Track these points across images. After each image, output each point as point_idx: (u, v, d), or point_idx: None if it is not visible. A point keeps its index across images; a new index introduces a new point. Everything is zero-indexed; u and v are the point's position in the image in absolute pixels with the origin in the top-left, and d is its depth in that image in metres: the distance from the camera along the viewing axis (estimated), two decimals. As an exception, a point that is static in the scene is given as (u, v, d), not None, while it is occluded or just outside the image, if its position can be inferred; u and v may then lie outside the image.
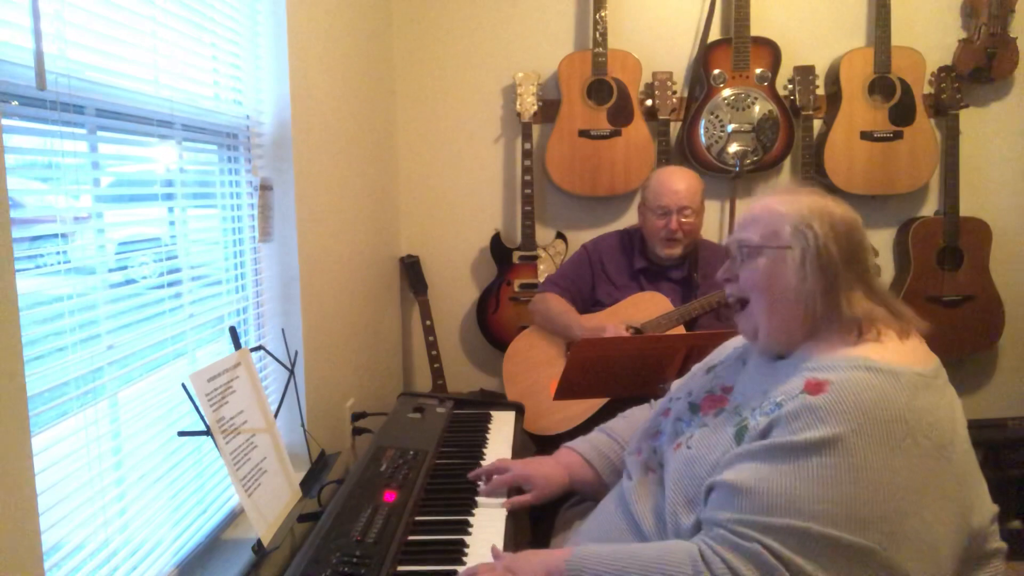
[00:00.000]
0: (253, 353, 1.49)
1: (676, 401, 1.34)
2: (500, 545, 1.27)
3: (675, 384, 1.46)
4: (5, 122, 0.93)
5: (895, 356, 1.05)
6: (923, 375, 1.03)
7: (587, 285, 2.43)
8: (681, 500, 1.13)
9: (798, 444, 0.97)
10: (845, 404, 0.98)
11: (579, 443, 1.52)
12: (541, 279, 2.82)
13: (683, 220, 2.25)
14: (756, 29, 2.77)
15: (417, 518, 1.35)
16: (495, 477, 1.47)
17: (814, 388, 1.02)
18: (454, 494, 1.45)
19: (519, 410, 1.98)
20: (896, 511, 0.94)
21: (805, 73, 2.80)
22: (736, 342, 1.38)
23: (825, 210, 1.15)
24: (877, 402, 0.98)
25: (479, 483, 1.48)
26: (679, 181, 2.28)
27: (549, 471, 1.46)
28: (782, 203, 1.18)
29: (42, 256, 1.04)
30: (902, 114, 2.77)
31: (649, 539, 1.18)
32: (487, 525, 1.34)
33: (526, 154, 2.83)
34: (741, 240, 1.20)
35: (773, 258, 1.15)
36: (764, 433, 1.04)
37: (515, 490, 1.45)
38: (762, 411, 1.08)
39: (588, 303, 2.42)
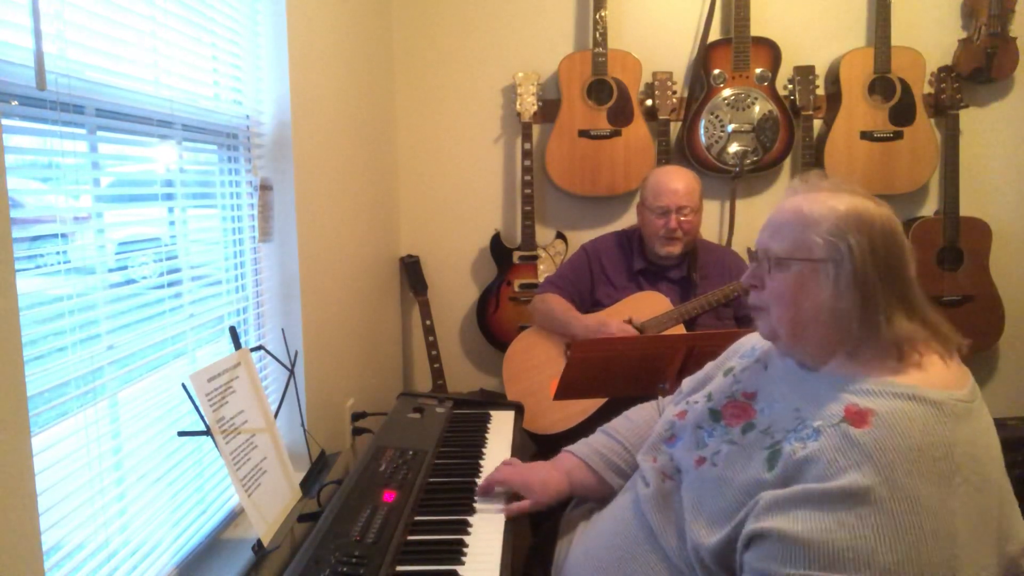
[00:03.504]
0: (253, 353, 1.49)
1: (693, 404, 1.28)
2: (499, 546, 1.27)
3: (686, 381, 1.41)
4: (5, 122, 0.93)
5: (937, 381, 1.01)
6: (963, 401, 1.00)
7: (586, 286, 2.43)
8: (703, 520, 1.09)
9: (852, 491, 0.93)
10: (893, 442, 0.94)
11: (579, 447, 1.48)
12: (541, 279, 2.82)
13: (682, 219, 2.26)
14: (756, 29, 2.77)
15: (416, 518, 1.35)
16: (496, 490, 1.45)
17: (856, 419, 0.97)
18: (453, 494, 1.45)
19: (518, 410, 1.98)
20: (957, 557, 0.91)
21: (805, 73, 2.80)
22: (752, 340, 1.32)
23: (863, 218, 1.05)
24: (924, 438, 0.94)
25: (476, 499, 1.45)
26: (677, 180, 2.28)
27: (547, 477, 1.43)
28: (815, 206, 1.08)
29: (42, 256, 1.04)
30: (902, 114, 2.77)
31: (668, 555, 1.14)
32: (486, 525, 1.34)
33: (526, 154, 2.83)
34: (767, 249, 1.11)
35: (802, 271, 1.07)
36: (801, 465, 0.99)
37: (514, 495, 1.45)
38: (797, 436, 1.03)
39: (587, 304, 2.42)
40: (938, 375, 1.03)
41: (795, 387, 1.12)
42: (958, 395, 1.00)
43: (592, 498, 1.44)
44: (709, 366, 1.39)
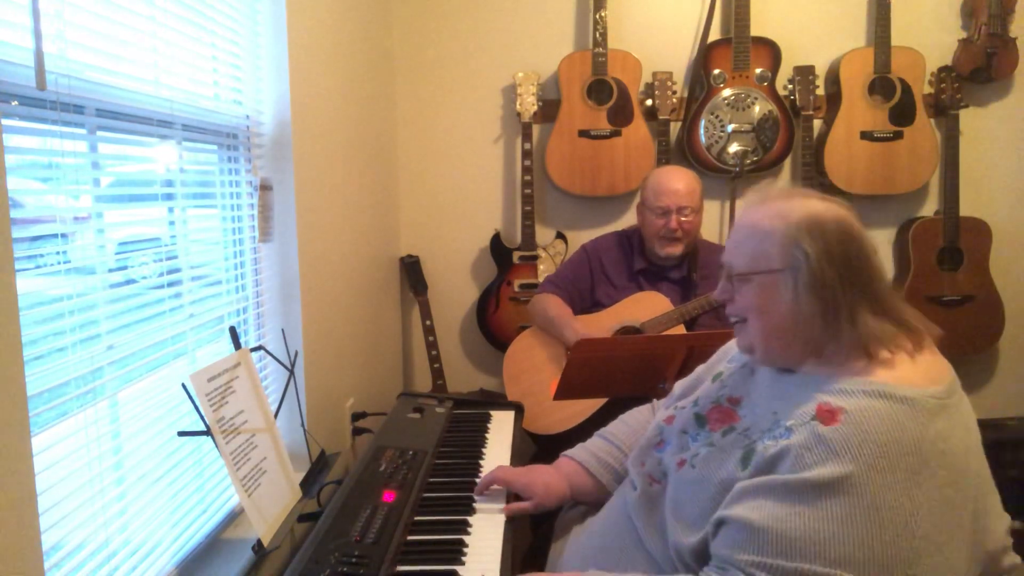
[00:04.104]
0: (253, 353, 1.49)
1: (681, 410, 1.29)
2: (499, 545, 1.27)
3: (677, 385, 1.42)
4: (5, 122, 0.93)
5: (909, 378, 1.02)
6: (937, 397, 1.00)
7: (586, 286, 2.43)
8: (683, 522, 1.10)
9: (814, 483, 0.94)
10: (859, 438, 0.95)
11: (578, 451, 1.49)
12: (541, 279, 2.82)
13: (683, 219, 2.26)
14: (756, 29, 2.77)
15: (416, 518, 1.35)
16: (493, 488, 1.45)
17: (827, 417, 0.99)
18: (453, 494, 1.45)
19: (519, 410, 1.98)
20: (915, 551, 0.92)
21: (805, 73, 2.80)
22: None
23: (815, 222, 1.07)
24: (892, 434, 0.95)
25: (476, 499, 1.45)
26: (678, 181, 2.28)
27: (549, 480, 1.43)
28: (768, 218, 1.11)
29: (42, 256, 1.04)
30: (902, 114, 2.77)
31: (653, 556, 1.15)
32: (486, 525, 1.34)
33: (526, 154, 2.83)
34: (731, 266, 1.16)
35: (763, 283, 1.10)
36: (772, 461, 1.01)
37: (514, 495, 1.45)
38: (771, 435, 1.04)
39: (588, 304, 2.42)
40: (910, 372, 1.04)
41: (775, 390, 1.13)
42: (932, 391, 1.01)
43: (590, 501, 1.45)
44: (699, 370, 1.40)
